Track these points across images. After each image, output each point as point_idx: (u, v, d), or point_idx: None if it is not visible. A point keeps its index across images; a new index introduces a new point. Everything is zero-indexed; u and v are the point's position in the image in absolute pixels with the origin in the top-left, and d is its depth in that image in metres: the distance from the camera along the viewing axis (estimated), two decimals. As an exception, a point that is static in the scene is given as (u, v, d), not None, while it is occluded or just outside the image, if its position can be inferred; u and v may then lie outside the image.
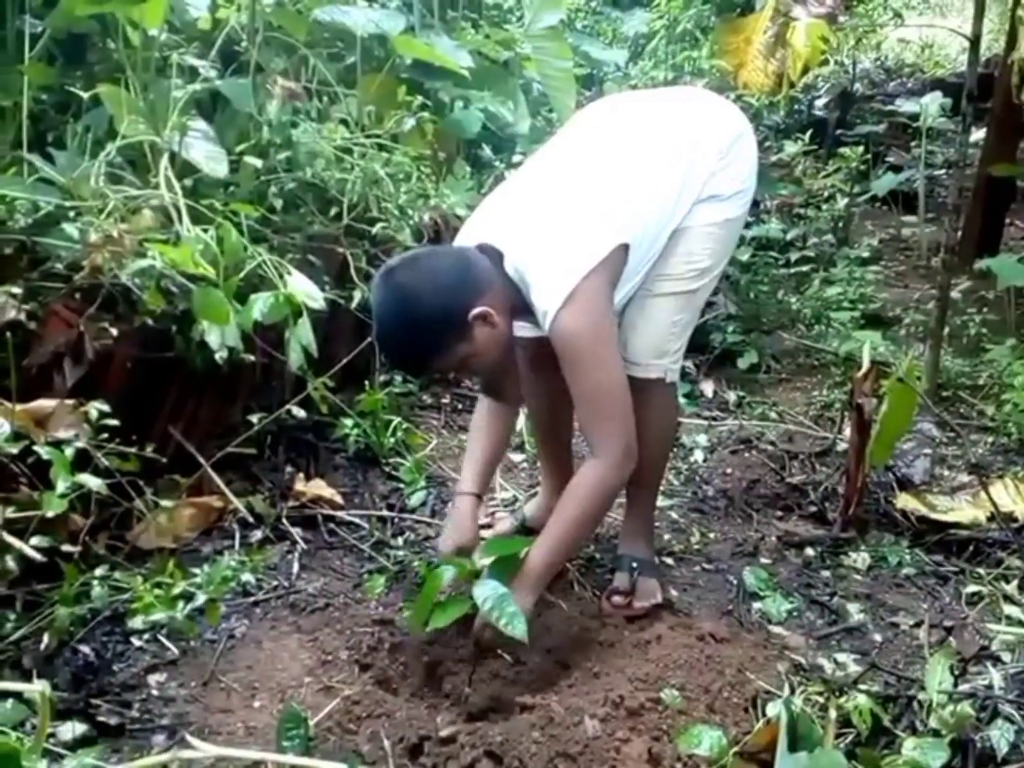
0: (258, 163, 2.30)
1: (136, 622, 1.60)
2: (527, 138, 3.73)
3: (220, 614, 1.73)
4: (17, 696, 1.42)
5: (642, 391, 1.82)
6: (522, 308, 1.75)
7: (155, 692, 1.62)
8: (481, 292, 1.67)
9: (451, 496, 2.44)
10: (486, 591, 1.58)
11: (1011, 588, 2.07)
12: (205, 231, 1.95)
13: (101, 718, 1.52)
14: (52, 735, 1.40)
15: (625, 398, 1.73)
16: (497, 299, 1.69)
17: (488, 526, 2.25)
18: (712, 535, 2.38)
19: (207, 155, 2.21)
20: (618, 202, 1.75)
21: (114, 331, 1.85)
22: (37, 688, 1.14)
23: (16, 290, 1.77)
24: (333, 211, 2.50)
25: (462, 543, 1.86)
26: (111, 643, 1.70)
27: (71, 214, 1.92)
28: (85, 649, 1.66)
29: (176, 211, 1.96)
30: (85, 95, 2.10)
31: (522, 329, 2.03)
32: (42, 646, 1.58)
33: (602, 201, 1.74)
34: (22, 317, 1.76)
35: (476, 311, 1.65)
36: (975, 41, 3.07)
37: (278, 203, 2.37)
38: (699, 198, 1.82)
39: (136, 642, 1.72)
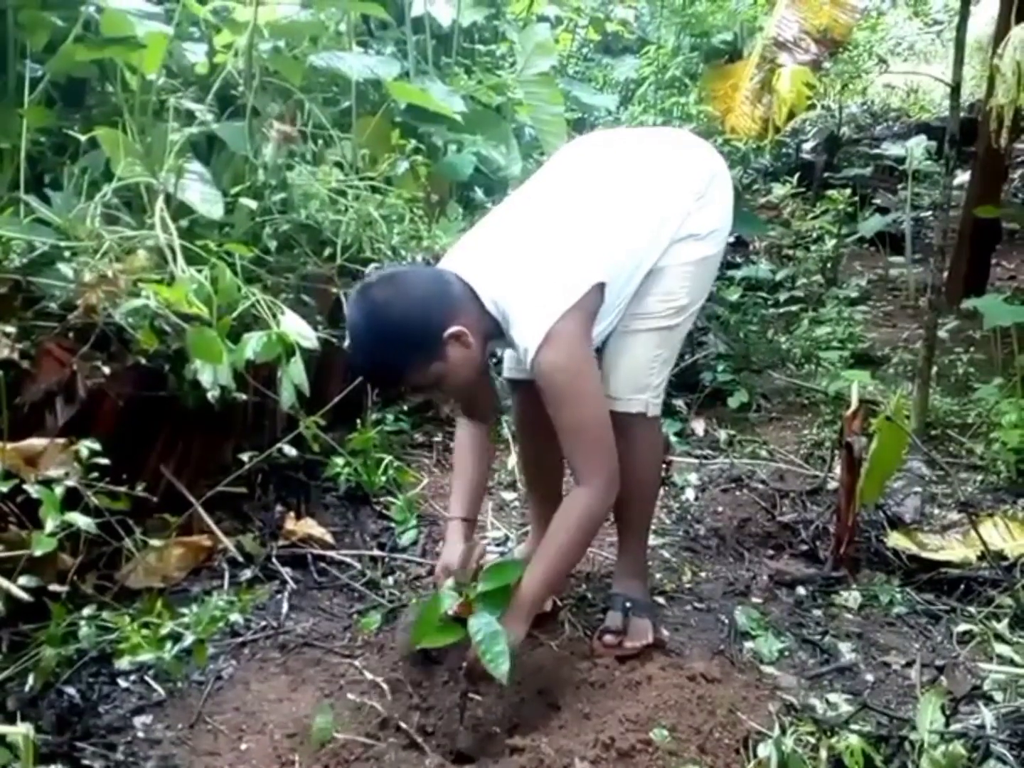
0: (253, 205, 2.33)
1: (123, 663, 1.58)
2: (519, 180, 3.78)
3: (208, 655, 1.72)
4: (0, 739, 1.40)
5: (624, 426, 1.83)
6: (498, 337, 1.78)
7: (141, 734, 1.60)
8: (457, 312, 1.69)
9: (443, 535, 2.44)
10: (480, 624, 1.58)
11: (1002, 627, 2.07)
12: (199, 271, 1.97)
13: (86, 761, 1.50)
14: (35, 779, 1.38)
15: (606, 429, 1.75)
16: (472, 322, 1.71)
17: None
18: (703, 574, 2.37)
19: (202, 197, 2.24)
20: (594, 241, 1.78)
21: (107, 370, 1.86)
22: (20, 731, 1.13)
23: (10, 329, 1.78)
24: (327, 252, 2.53)
25: (453, 563, 1.87)
26: (97, 684, 1.69)
27: (66, 254, 1.94)
28: (71, 690, 1.64)
29: (171, 251, 1.98)
30: (83, 137, 2.13)
31: (512, 372, 2.06)
32: (27, 687, 1.56)
33: (578, 240, 1.77)
34: (15, 356, 1.77)
35: (451, 330, 1.67)
36: (956, 88, 3.15)
37: (272, 244, 2.40)
38: (676, 237, 1.85)
39: (123, 683, 1.71)
